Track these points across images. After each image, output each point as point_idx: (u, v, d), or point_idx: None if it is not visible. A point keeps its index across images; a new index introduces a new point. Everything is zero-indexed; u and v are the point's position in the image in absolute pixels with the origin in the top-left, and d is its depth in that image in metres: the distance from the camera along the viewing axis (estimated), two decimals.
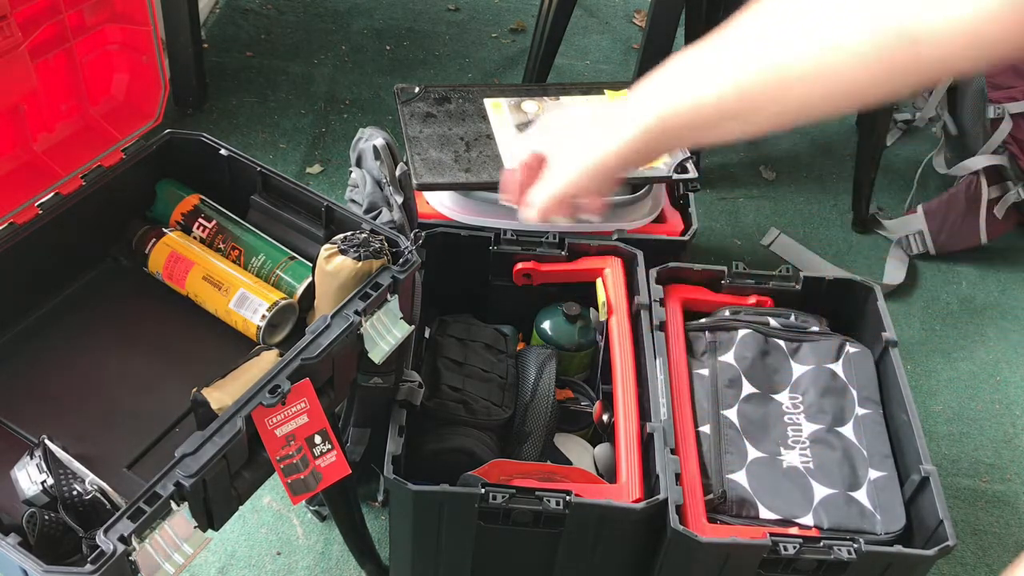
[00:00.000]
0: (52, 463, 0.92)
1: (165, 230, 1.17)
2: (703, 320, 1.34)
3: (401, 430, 1.14)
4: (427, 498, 1.10)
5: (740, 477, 1.18)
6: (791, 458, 1.20)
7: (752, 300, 1.38)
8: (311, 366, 0.96)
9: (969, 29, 0.57)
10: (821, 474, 1.19)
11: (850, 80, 0.64)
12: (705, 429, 1.22)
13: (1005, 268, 2.05)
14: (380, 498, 1.49)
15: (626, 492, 1.14)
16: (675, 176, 1.47)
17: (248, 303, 1.09)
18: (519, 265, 1.39)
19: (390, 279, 1.04)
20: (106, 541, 0.81)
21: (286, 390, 0.93)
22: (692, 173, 1.48)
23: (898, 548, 1.11)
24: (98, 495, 0.91)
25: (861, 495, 1.18)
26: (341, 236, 1.06)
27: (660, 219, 1.54)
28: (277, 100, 2.19)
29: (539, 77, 2.11)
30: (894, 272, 1.98)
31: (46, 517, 0.89)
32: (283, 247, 1.16)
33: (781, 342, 1.31)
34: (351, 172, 1.27)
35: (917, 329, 1.90)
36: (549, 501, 1.09)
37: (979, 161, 1.99)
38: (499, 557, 1.19)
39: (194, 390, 0.97)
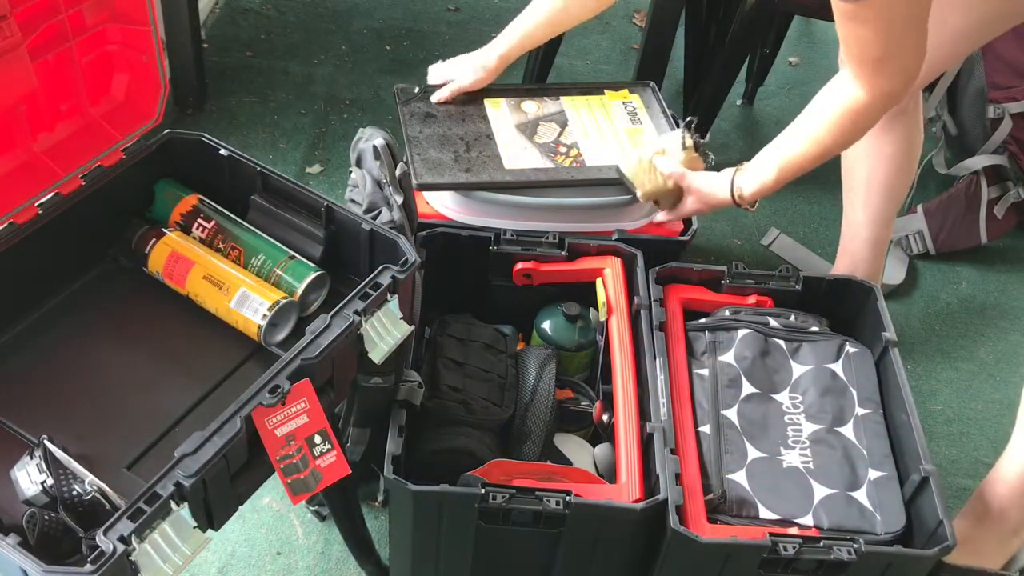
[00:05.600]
0: (52, 463, 0.92)
1: (165, 230, 1.17)
2: (703, 320, 1.34)
3: (401, 430, 1.14)
4: (427, 498, 1.10)
5: (740, 477, 1.18)
6: (791, 458, 1.20)
7: (752, 300, 1.38)
8: (311, 366, 0.96)
9: None
10: (821, 474, 1.19)
11: None
12: (705, 429, 1.22)
13: (1005, 268, 2.04)
14: (380, 498, 1.49)
15: (626, 492, 1.14)
16: None
17: (249, 302, 1.09)
18: (519, 265, 1.39)
19: (390, 279, 1.04)
20: (106, 541, 0.81)
21: (286, 390, 0.93)
22: None
23: (898, 548, 1.11)
24: (98, 495, 0.91)
25: (861, 495, 1.18)
26: None
27: None
28: (277, 100, 2.19)
29: (539, 77, 2.11)
30: (894, 272, 1.97)
31: (46, 517, 0.89)
32: (283, 247, 1.17)
33: (781, 342, 1.31)
34: (351, 172, 1.27)
35: (917, 329, 1.90)
36: (549, 501, 1.09)
37: (979, 161, 1.99)
38: (499, 557, 1.19)
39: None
